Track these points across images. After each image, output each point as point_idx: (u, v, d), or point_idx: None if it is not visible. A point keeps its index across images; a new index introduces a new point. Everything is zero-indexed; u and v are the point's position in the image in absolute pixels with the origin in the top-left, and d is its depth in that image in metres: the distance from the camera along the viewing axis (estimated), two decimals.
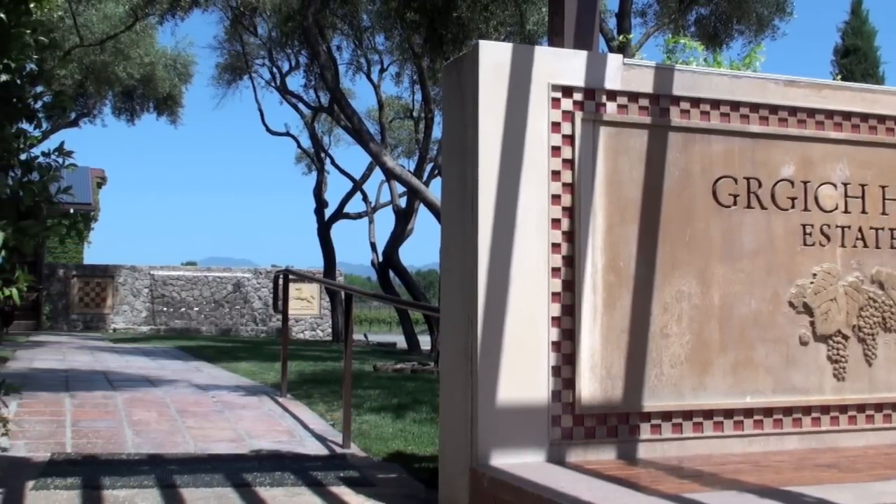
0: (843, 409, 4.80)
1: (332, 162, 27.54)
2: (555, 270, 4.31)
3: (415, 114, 26.73)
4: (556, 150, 4.35)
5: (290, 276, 10.38)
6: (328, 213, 25.76)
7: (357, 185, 26.85)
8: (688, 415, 4.51)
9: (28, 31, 5.00)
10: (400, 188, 23.30)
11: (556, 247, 4.32)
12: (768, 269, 4.70)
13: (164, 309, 28.26)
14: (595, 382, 4.34)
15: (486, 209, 4.19)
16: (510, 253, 4.22)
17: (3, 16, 4.88)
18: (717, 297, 4.60)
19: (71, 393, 8.86)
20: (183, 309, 28.43)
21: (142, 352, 15.88)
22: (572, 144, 4.38)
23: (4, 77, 4.98)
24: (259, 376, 11.20)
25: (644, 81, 4.54)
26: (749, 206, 4.69)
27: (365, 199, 28.29)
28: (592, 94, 4.45)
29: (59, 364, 12.61)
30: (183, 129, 27.61)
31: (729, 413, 4.58)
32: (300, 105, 25.52)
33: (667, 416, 4.48)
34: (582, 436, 4.32)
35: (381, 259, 23.50)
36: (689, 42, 6.80)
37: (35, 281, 5.08)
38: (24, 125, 5.24)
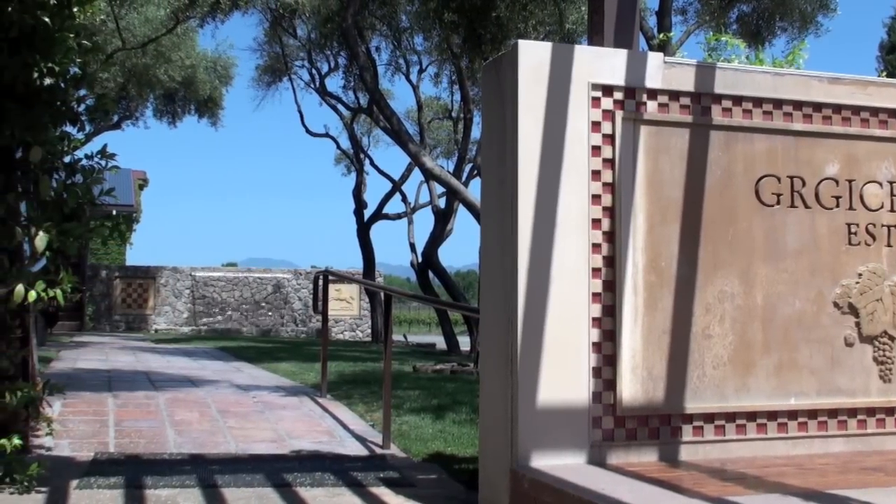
0: (890, 411, 4.73)
1: (372, 163, 27.67)
2: (595, 271, 4.29)
3: (454, 114, 26.75)
4: (596, 150, 4.33)
5: (330, 277, 10.43)
6: (367, 213, 25.86)
7: (396, 186, 26.93)
8: (731, 416, 4.47)
9: (71, 35, 5.08)
10: (439, 189, 23.33)
11: (596, 247, 4.31)
12: (812, 269, 4.65)
13: (205, 310, 28.51)
14: (636, 384, 4.32)
15: (525, 209, 4.18)
16: (550, 253, 4.21)
17: (47, 20, 4.95)
18: (760, 297, 4.55)
19: (114, 393, 8.96)
20: (223, 310, 28.66)
21: (183, 352, 16.04)
22: (613, 144, 4.36)
23: (48, 80, 5.05)
24: (299, 377, 11.26)
25: (685, 80, 4.51)
26: (793, 206, 4.64)
27: (404, 199, 28.36)
28: (633, 93, 4.42)
29: (101, 364, 12.77)
30: (223, 131, 27.88)
31: (773, 415, 4.53)
32: (339, 106, 25.66)
33: (709, 417, 4.44)
34: (623, 437, 4.30)
35: (420, 260, 23.54)
36: (731, 39, 6.74)
37: (78, 282, 5.15)
38: (68, 128, 5.32)
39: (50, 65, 5.01)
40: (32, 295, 4.74)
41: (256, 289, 28.99)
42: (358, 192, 25.89)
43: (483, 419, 4.54)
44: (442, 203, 23.59)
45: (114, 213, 6.63)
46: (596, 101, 4.35)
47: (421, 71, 25.15)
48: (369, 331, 27.52)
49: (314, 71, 25.14)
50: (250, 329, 28.35)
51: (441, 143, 31.83)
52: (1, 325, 5.20)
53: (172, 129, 27.20)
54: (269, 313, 28.99)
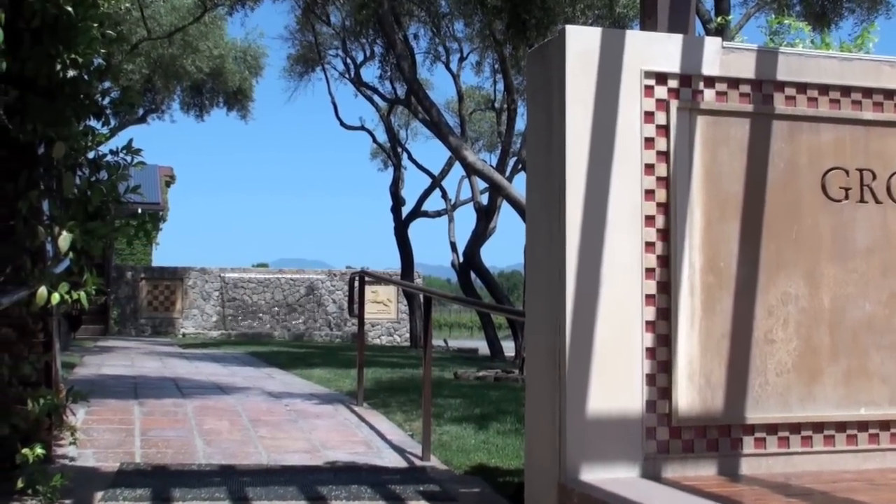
0: None
1: (410, 157, 27.72)
2: (648, 271, 4.27)
3: (497, 105, 26.74)
4: (649, 142, 4.31)
5: (366, 278, 10.47)
6: (405, 211, 25.93)
7: (436, 182, 26.97)
8: (795, 427, 4.43)
9: (95, 25, 5.14)
10: (481, 184, 23.33)
11: (649, 246, 4.28)
12: (884, 269, 4.59)
13: (235, 313, 28.74)
14: (693, 392, 4.29)
15: (574, 206, 4.17)
16: (600, 253, 4.20)
17: (70, 9, 5.01)
18: (827, 299, 4.50)
19: (140, 400, 9.06)
20: (254, 313, 28.87)
21: (212, 357, 16.18)
22: (667, 135, 4.33)
23: (72, 72, 5.12)
24: (334, 384, 11.32)
25: (745, 66, 4.47)
26: (862, 200, 4.59)
27: (444, 196, 28.40)
28: (689, 81, 4.39)
29: (127, 370, 12.92)
30: (253, 125, 28.14)
31: (841, 426, 4.48)
32: (375, 97, 25.74)
33: (772, 428, 4.40)
34: (679, 449, 4.27)
35: (461, 260, 23.56)
36: (795, 22, 6.67)
37: (103, 284, 5.21)
38: (92, 122, 5.38)
39: (73, 56, 5.07)
40: (55, 297, 4.81)
41: (289, 291, 29.19)
42: (395, 189, 25.96)
43: (529, 429, 4.53)
44: (484, 199, 23.59)
45: (139, 211, 6.72)
46: (649, 90, 4.33)
47: (462, 59, 25.19)
48: (408, 335, 27.58)
49: (349, 60, 25.26)
50: (282, 333, 28.54)
51: (483, 136, 31.84)
52: (23, 329, 5.28)
53: (200, 122, 27.48)
54: (302, 317, 29.16)
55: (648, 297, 4.26)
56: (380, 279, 21.09)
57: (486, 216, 22.68)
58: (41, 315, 5.31)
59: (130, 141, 5.28)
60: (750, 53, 4.50)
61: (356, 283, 10.10)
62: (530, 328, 4.54)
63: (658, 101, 4.34)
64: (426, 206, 27.05)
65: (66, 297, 4.88)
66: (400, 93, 24.15)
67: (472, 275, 22.98)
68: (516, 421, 8.10)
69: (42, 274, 4.92)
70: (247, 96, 27.04)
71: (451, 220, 28.08)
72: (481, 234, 22.65)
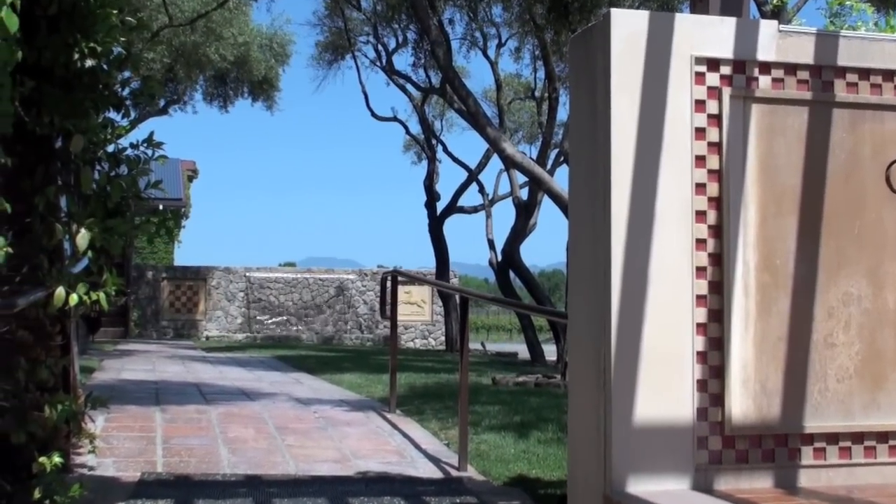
0: None
1: (445, 149, 27.79)
2: (699, 270, 4.25)
3: (537, 94, 26.72)
4: (700, 132, 4.29)
5: (399, 278, 10.50)
6: (440, 206, 25.96)
7: (472, 176, 26.99)
8: (858, 437, 4.39)
9: (115, 12, 5.18)
10: (521, 178, 23.31)
11: (700, 243, 4.26)
12: None
13: (261, 315, 28.90)
14: (747, 399, 4.26)
15: (620, 201, 4.16)
16: (648, 250, 4.18)
17: None
18: (892, 299, 4.46)
19: (161, 407, 9.14)
20: (281, 315, 29.02)
21: (237, 362, 16.29)
22: (719, 125, 4.31)
23: (90, 62, 5.16)
24: (365, 389, 11.35)
25: (803, 51, 4.43)
26: None
27: (481, 190, 28.42)
28: (743, 67, 4.36)
29: (148, 375, 13.03)
30: (280, 116, 28.31)
31: None
32: (408, 86, 25.81)
33: (833, 438, 4.36)
34: (732, 460, 4.24)
35: (499, 258, 23.56)
36: (857, 3, 6.62)
37: (123, 284, 5.26)
38: (112, 114, 5.43)
39: (91, 44, 5.12)
40: (74, 298, 4.85)
41: (317, 291, 29.32)
42: (430, 183, 26.01)
43: (572, 438, 4.53)
44: (524, 194, 23.58)
45: (161, 207, 6.76)
46: (700, 77, 4.31)
47: (500, 45, 25.18)
48: (443, 338, 27.63)
49: (380, 47, 25.35)
50: (310, 336, 28.67)
51: (523, 127, 31.80)
52: (39, 331, 5.33)
53: (224, 113, 27.65)
54: (332, 319, 29.27)
55: (699, 297, 4.24)
56: (413, 279, 21.13)
57: (525, 212, 22.66)
58: (59, 317, 5.36)
59: (151, 134, 5.32)
60: (808, 37, 4.47)
61: (388, 284, 10.13)
62: (573, 331, 4.53)
63: (709, 88, 4.32)
64: (462, 202, 27.09)
65: (85, 297, 4.92)
66: (434, 81, 24.19)
67: (511, 274, 22.97)
68: (558, 429, 8.09)
69: (60, 274, 4.97)
70: (273, 86, 27.19)
71: (488, 216, 28.09)
72: (521, 230, 22.64)
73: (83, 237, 4.89)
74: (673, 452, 4.16)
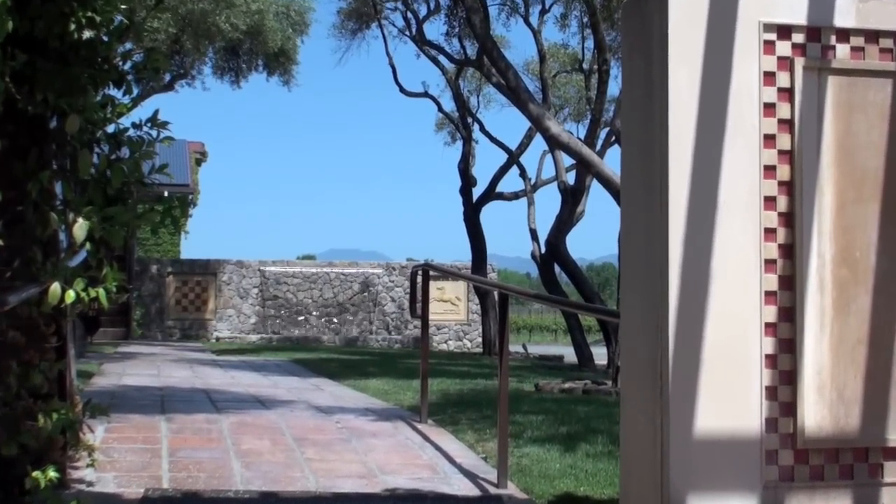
0: None
1: (482, 129, 27.74)
2: (768, 263, 4.23)
3: (585, 66, 26.64)
4: (769, 108, 4.26)
5: (431, 273, 10.51)
6: (477, 193, 25.95)
7: (513, 158, 26.96)
8: None
9: None
10: (567, 160, 23.28)
11: (769, 233, 4.24)
12: None
13: (277, 313, 29.04)
14: (823, 408, 4.24)
15: (678, 185, 4.15)
16: (710, 241, 4.17)
17: None
18: None
19: (167, 416, 9.20)
20: (299, 313, 29.14)
21: (251, 366, 16.38)
22: (791, 100, 4.28)
23: (88, 33, 5.18)
24: (393, 397, 11.38)
25: (887, 15, 4.40)
26: None
27: (523, 174, 28.38)
28: (818, 35, 4.34)
29: (152, 380, 13.13)
30: (298, 92, 28.38)
31: None
32: (441, 58, 25.79)
33: None
34: (806, 477, 4.23)
35: (543, 250, 23.53)
36: None
37: (125, 280, 5.29)
38: (112, 91, 5.45)
39: (90, 14, 5.14)
40: (70, 295, 4.88)
41: (340, 287, 29.41)
42: (465, 166, 26.01)
43: (624, 452, 4.52)
44: (571, 179, 23.54)
45: (166, 194, 6.80)
46: (769, 46, 4.28)
47: (544, 12, 25.14)
48: (480, 339, 27.65)
49: (409, 15, 25.34)
50: (332, 337, 28.77)
51: (569, 103, 31.73)
52: (33, 332, 5.37)
53: (236, 89, 27.77)
54: (356, 318, 29.36)
55: (768, 294, 4.22)
56: (447, 273, 21.16)
57: (572, 198, 22.62)
58: (54, 316, 5.40)
59: (156, 112, 5.34)
60: (893, 1, 4.43)
61: (419, 279, 10.15)
62: (626, 332, 4.52)
63: (780, 59, 4.29)
64: (501, 187, 27.06)
65: (83, 294, 4.95)
66: (470, 52, 24.16)
67: (557, 268, 22.93)
68: (609, 441, 8.08)
69: (55, 268, 5.00)
70: (290, 58, 27.27)
71: (530, 203, 28.06)
72: (567, 219, 22.60)
73: (81, 227, 4.92)
74: (738, 468, 4.15)
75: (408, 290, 11.60)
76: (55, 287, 4.85)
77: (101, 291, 5.05)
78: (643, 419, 4.30)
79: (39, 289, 4.89)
